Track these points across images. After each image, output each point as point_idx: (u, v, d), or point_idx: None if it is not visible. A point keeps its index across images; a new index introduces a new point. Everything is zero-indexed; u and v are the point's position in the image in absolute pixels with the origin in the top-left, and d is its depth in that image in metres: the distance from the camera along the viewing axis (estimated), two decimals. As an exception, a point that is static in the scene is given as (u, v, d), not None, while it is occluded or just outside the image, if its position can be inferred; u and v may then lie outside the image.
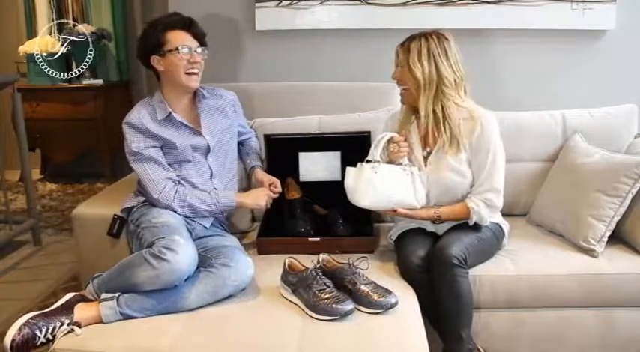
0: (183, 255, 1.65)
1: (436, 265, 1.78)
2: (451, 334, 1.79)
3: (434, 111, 1.89)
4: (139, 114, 1.94)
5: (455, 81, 1.87)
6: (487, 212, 1.89)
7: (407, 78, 1.90)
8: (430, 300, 1.79)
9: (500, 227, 2.00)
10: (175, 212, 1.90)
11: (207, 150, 2.01)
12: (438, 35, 1.88)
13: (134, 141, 1.92)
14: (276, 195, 2.06)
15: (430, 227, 2.00)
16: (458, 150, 1.89)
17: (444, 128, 1.88)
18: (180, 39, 1.93)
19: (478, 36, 2.62)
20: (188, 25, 1.96)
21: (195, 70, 1.96)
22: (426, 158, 1.96)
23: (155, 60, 1.95)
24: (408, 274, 1.84)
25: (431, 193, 1.93)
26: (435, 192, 1.93)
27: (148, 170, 1.91)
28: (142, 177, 1.93)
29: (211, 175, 2.03)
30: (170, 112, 1.96)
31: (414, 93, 1.91)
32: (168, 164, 1.95)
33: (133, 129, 1.93)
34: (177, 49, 1.92)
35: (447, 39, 1.88)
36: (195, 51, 1.95)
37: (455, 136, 1.88)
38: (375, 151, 1.89)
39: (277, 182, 2.09)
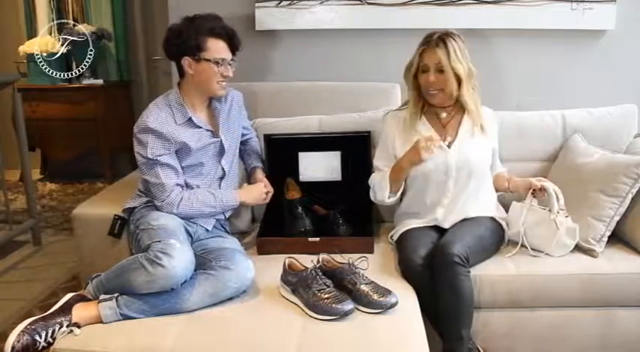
0: (179, 259, 1.64)
1: (438, 263, 1.79)
2: (451, 333, 1.79)
3: (474, 101, 2.00)
4: (158, 118, 1.89)
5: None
6: None
7: (448, 78, 1.93)
8: (431, 300, 1.79)
9: (500, 225, 2.02)
10: (179, 216, 1.89)
11: (222, 153, 2.01)
12: (457, 36, 1.96)
13: (151, 147, 1.87)
14: (267, 200, 2.08)
15: (438, 219, 2.01)
16: (482, 133, 2.02)
17: (478, 112, 2.00)
18: (219, 50, 1.90)
19: (478, 36, 2.62)
20: (230, 35, 1.93)
21: (225, 81, 1.96)
22: (449, 145, 2.00)
23: (187, 61, 1.90)
24: (408, 273, 1.84)
25: (460, 177, 1.98)
26: (457, 175, 1.98)
27: (159, 174, 1.88)
28: (150, 180, 1.89)
29: (222, 177, 2.02)
30: (190, 117, 1.94)
31: (448, 92, 1.96)
32: (182, 167, 1.93)
33: (152, 135, 1.87)
34: (216, 61, 1.89)
35: (463, 40, 1.97)
36: (230, 63, 1.94)
37: (483, 120, 2.02)
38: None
39: (271, 191, 2.09)
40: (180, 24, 1.92)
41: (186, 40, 1.88)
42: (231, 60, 1.95)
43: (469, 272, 1.79)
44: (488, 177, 2.07)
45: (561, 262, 1.94)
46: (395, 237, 2.06)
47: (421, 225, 2.02)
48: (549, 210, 1.95)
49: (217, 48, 1.90)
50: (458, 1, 2.58)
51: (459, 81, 1.94)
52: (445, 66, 1.92)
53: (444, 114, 2.02)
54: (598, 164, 2.08)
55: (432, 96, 1.99)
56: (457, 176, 1.98)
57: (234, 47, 1.95)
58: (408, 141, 2.01)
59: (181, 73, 1.95)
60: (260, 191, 2.05)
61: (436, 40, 1.93)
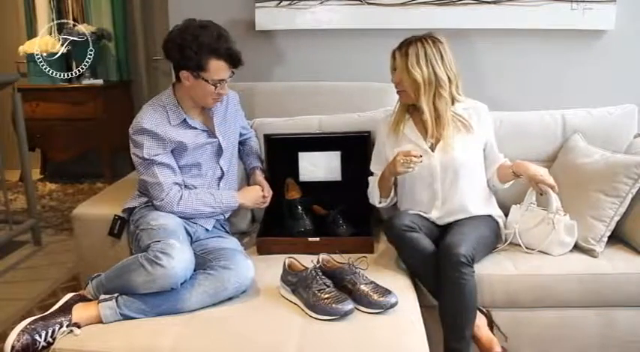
0: (178, 259, 1.64)
1: (444, 264, 1.79)
2: (454, 333, 1.79)
3: (435, 108, 1.97)
4: (152, 119, 1.89)
5: (449, 79, 1.97)
6: None
7: (405, 81, 1.97)
8: (414, 260, 1.85)
9: (497, 222, 2.03)
10: (178, 216, 1.89)
11: (220, 153, 2.01)
12: (433, 39, 1.96)
13: (146, 148, 1.87)
14: (266, 205, 2.08)
15: (429, 214, 2.02)
16: (467, 131, 2.00)
17: (447, 121, 1.97)
18: (220, 71, 1.85)
19: (478, 36, 2.62)
20: (233, 56, 1.85)
21: (220, 98, 1.94)
22: (432, 147, 2.00)
23: (185, 74, 1.86)
24: (389, 234, 1.90)
25: (446, 178, 1.98)
26: (443, 177, 1.98)
27: (157, 173, 1.88)
28: (148, 180, 1.89)
29: (221, 177, 2.02)
30: (185, 119, 1.93)
31: (411, 95, 1.98)
32: (179, 167, 1.93)
33: (147, 135, 1.87)
34: (214, 84, 1.86)
35: (441, 42, 1.97)
36: (226, 81, 1.90)
37: (461, 122, 2.00)
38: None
39: (270, 194, 2.09)
40: (184, 34, 1.84)
41: (187, 56, 1.82)
42: (229, 76, 1.90)
43: (474, 272, 1.80)
44: (480, 174, 2.05)
45: (561, 262, 1.94)
46: None
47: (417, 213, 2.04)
48: (547, 210, 1.95)
49: (218, 69, 1.85)
50: (458, 1, 2.58)
51: (418, 86, 1.94)
52: (399, 69, 1.97)
53: (426, 117, 1.99)
54: (598, 164, 2.08)
55: (399, 95, 2.03)
56: (443, 177, 1.99)
57: (236, 65, 1.89)
58: (395, 144, 2.04)
59: (178, 77, 1.93)
60: (257, 194, 2.05)
61: (404, 44, 1.97)
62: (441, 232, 1.97)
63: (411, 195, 2.06)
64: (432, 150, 1.99)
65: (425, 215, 2.03)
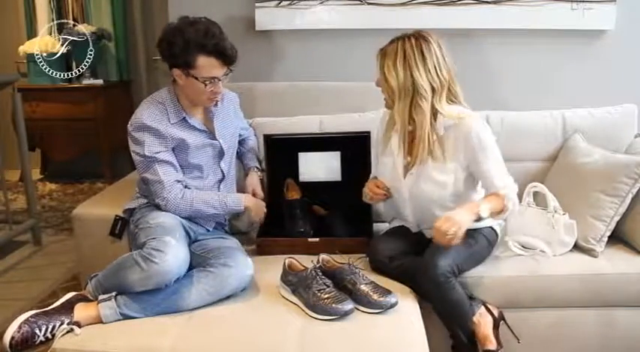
0: (172, 256, 1.63)
1: (422, 280, 1.73)
2: (449, 330, 1.80)
3: (412, 120, 1.78)
4: (152, 115, 1.85)
5: (433, 88, 1.73)
6: (515, 196, 1.76)
7: (382, 84, 1.81)
8: (407, 280, 1.79)
9: (494, 229, 1.94)
10: (179, 215, 1.87)
11: (221, 156, 1.99)
12: (417, 37, 1.74)
13: (147, 145, 1.83)
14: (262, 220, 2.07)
15: (415, 229, 1.97)
16: (442, 160, 1.77)
17: (422, 138, 1.76)
18: (210, 69, 1.79)
19: (478, 36, 2.62)
20: (223, 52, 1.79)
21: (215, 96, 1.89)
22: (406, 168, 1.87)
23: (177, 73, 1.82)
24: (373, 266, 1.88)
25: (410, 208, 1.90)
26: (414, 206, 1.89)
27: (158, 171, 1.85)
28: (149, 178, 1.86)
29: (221, 180, 2.01)
30: (184, 117, 1.90)
31: (389, 101, 1.82)
32: (180, 166, 1.92)
33: (147, 132, 1.84)
34: (204, 81, 1.80)
35: (426, 40, 1.73)
36: (220, 80, 1.83)
37: (436, 146, 1.77)
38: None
39: (261, 197, 2.09)
40: (173, 30, 1.81)
41: (175, 54, 1.79)
42: (225, 74, 1.84)
43: (455, 283, 1.74)
44: (463, 198, 1.82)
45: (561, 262, 1.94)
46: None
47: (405, 225, 2.00)
48: (546, 210, 1.95)
49: (208, 66, 1.78)
50: (458, 1, 2.58)
51: (393, 91, 1.76)
52: (379, 70, 1.80)
53: (409, 128, 1.81)
54: (598, 164, 2.08)
55: (384, 100, 1.85)
56: (414, 205, 1.88)
57: (228, 62, 1.82)
58: (381, 152, 1.98)
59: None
60: (262, 209, 2.02)
61: (389, 42, 1.79)
62: (429, 241, 1.84)
63: (396, 210, 2.00)
64: (409, 169, 1.84)
65: (410, 227, 1.98)
